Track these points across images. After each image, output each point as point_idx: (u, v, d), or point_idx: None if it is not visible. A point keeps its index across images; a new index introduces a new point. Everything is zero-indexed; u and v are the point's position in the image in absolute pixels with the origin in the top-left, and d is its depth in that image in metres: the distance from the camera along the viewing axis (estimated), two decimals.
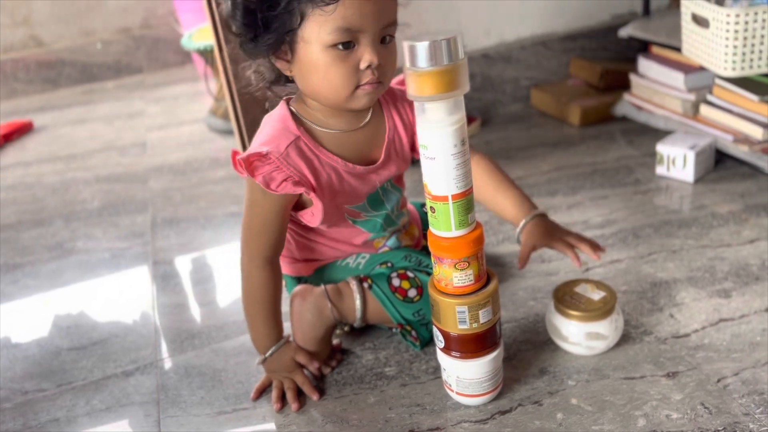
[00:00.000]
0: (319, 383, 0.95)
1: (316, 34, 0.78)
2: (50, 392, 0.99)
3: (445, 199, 0.75)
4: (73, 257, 1.38)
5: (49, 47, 2.62)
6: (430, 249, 0.80)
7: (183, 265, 1.31)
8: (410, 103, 0.94)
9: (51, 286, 1.29)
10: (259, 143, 0.86)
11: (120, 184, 1.71)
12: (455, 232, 0.77)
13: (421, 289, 0.96)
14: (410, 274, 0.96)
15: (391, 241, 1.01)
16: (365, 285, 0.96)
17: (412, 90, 0.71)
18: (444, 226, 0.77)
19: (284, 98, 0.91)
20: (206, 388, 0.96)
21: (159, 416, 0.92)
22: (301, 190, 0.85)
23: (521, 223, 0.96)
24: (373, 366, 0.97)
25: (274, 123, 0.88)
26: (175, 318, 1.14)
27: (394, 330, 1.01)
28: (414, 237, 1.06)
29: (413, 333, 0.96)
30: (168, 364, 1.03)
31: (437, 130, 0.72)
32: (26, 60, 2.59)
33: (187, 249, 1.36)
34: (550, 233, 0.94)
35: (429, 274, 0.96)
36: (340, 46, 0.78)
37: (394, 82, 0.95)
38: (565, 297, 0.93)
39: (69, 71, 2.64)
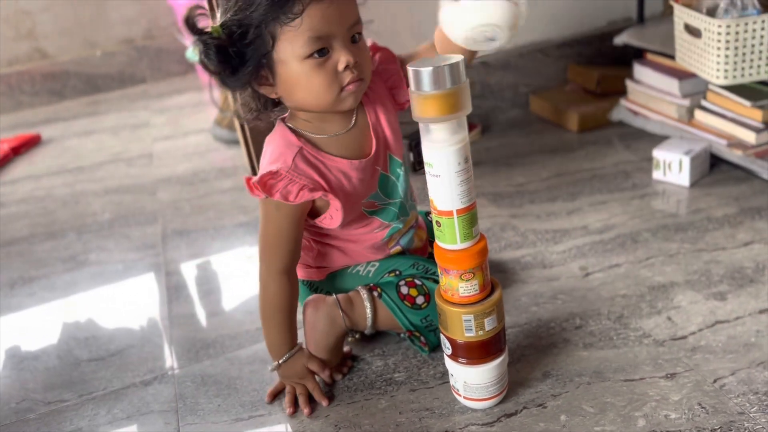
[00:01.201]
0: (331, 389, 0.98)
1: (290, 51, 0.82)
2: (72, 402, 1.03)
3: (450, 213, 0.79)
4: (87, 269, 1.42)
5: (54, 59, 2.65)
6: (437, 261, 0.84)
7: (195, 275, 1.35)
8: (384, 84, 0.97)
9: (67, 297, 1.33)
10: (267, 163, 0.90)
11: (129, 196, 1.74)
12: (460, 245, 0.81)
13: (429, 296, 0.99)
14: (418, 282, 1.00)
15: (405, 240, 1.05)
16: (375, 294, 1.00)
17: (417, 112, 0.75)
18: (449, 239, 0.81)
19: (279, 119, 0.94)
20: (222, 396, 1.00)
21: (178, 424, 0.96)
22: (318, 194, 0.89)
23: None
24: (382, 372, 1.00)
25: (276, 141, 0.92)
26: (189, 328, 1.18)
27: (402, 336, 1.05)
28: (422, 240, 1.09)
29: (422, 339, 1.00)
30: (184, 373, 1.06)
31: (441, 150, 0.76)
32: (31, 72, 2.62)
33: (198, 259, 1.39)
34: None
35: (436, 281, 1.00)
36: (316, 55, 0.82)
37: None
38: None
39: (74, 83, 2.68)
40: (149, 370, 1.08)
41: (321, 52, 0.82)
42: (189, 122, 2.24)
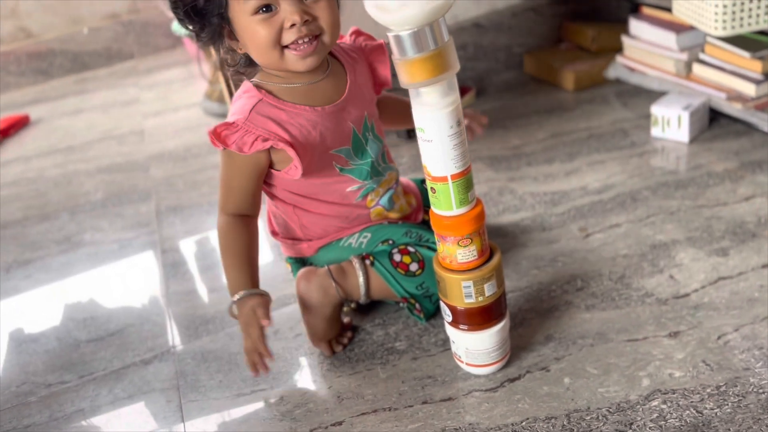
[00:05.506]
0: (332, 361, 0.98)
1: (238, 7, 0.84)
2: (73, 384, 1.03)
3: (444, 179, 0.77)
4: (82, 250, 1.40)
5: (39, 38, 2.60)
6: (433, 228, 0.82)
7: (191, 251, 1.33)
8: (366, 60, 0.99)
9: (63, 279, 1.32)
10: (228, 117, 0.92)
11: (121, 174, 1.72)
12: (456, 211, 0.79)
13: (423, 263, 0.98)
14: (411, 249, 0.99)
15: (384, 200, 1.02)
16: (367, 262, 0.98)
17: (404, 79, 0.72)
18: (445, 206, 0.79)
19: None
20: (224, 372, 0.99)
21: (180, 401, 0.95)
22: (269, 144, 0.89)
23: None
24: (383, 341, 1.00)
25: (238, 97, 0.93)
26: (187, 305, 1.17)
27: (401, 305, 1.04)
28: (411, 206, 1.07)
29: (417, 306, 0.99)
30: (184, 350, 1.06)
31: (433, 113, 0.74)
32: (17, 52, 2.58)
33: (193, 235, 1.38)
34: None
35: (430, 248, 0.99)
36: (263, 9, 0.83)
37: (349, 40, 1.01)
38: None
39: (60, 61, 2.63)
40: (149, 348, 1.08)
41: (267, 8, 0.83)
42: (179, 97, 2.20)
